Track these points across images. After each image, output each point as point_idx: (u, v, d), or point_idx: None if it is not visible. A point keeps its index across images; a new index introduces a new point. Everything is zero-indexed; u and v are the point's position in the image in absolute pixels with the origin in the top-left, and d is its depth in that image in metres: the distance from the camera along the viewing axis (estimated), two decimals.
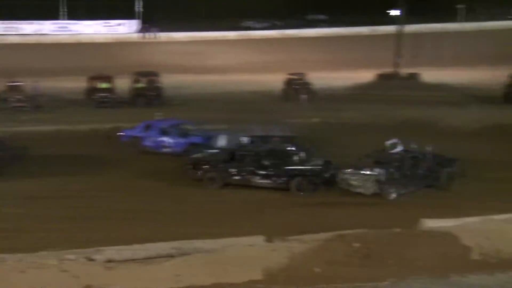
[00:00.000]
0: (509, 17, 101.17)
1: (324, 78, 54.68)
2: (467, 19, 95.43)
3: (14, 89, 45.87)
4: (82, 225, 22.29)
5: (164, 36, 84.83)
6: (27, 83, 46.43)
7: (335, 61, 68.51)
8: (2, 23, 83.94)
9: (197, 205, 25.21)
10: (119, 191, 27.11)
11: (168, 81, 50.50)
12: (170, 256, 16.78)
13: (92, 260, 16.31)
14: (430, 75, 59.12)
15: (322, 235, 18.26)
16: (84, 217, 23.26)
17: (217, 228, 21.17)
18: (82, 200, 25.44)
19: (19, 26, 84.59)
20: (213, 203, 25.38)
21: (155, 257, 16.81)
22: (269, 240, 18.26)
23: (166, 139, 33.62)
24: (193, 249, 17.26)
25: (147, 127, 34.31)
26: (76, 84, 49.40)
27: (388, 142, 30.70)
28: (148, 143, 33.75)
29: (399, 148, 29.39)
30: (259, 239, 18.26)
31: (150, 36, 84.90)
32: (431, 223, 18.70)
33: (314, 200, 25.30)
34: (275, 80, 53.46)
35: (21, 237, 20.91)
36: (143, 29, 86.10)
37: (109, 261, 16.23)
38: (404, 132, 32.55)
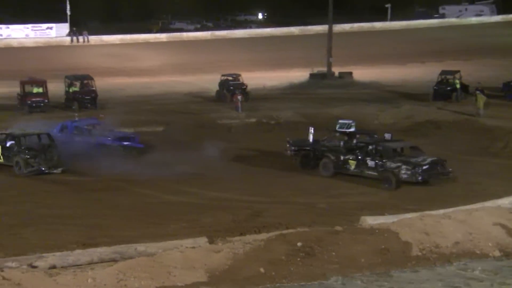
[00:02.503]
0: (434, 15, 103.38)
1: (257, 78, 54.93)
2: (394, 18, 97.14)
3: None
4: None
5: (94, 39, 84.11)
6: None
7: (267, 61, 68.85)
8: None
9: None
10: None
11: (101, 84, 50.11)
12: (113, 260, 16.70)
13: (34, 267, 16.13)
14: (361, 73, 59.87)
15: (264, 235, 18.37)
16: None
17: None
18: None
19: None
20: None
21: (98, 262, 16.72)
22: (211, 241, 18.30)
23: (78, 139, 33.98)
24: (136, 253, 17.21)
25: (63, 128, 34.87)
26: (7, 89, 48.65)
27: (342, 121, 31.57)
28: (63, 144, 33.28)
29: (352, 129, 30.53)
30: (201, 241, 18.29)
31: (80, 39, 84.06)
32: (371, 220, 19.00)
33: None
34: (207, 81, 53.55)
35: None
36: (73, 33, 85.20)
37: (52, 267, 16.07)
38: None
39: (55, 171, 30.63)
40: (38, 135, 32.78)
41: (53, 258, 16.74)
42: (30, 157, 30.76)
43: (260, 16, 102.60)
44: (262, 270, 15.63)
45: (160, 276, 15.38)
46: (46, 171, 30.53)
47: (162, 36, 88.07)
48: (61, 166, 30.81)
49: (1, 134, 32.93)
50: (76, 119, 37.01)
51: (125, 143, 33.87)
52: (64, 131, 34.74)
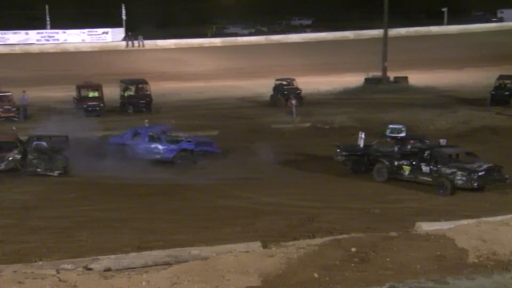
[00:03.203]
0: (492, 19, 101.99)
1: (311, 83, 54.80)
2: (450, 22, 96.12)
3: (2, 99, 45.71)
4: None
5: (149, 43, 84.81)
6: (15, 93, 46.24)
7: (321, 65, 68.65)
8: None
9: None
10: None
11: (155, 88, 50.47)
12: (167, 264, 16.78)
13: (89, 269, 16.29)
14: (417, 78, 59.33)
15: (318, 240, 18.27)
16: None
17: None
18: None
19: (5, 36, 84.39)
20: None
21: (152, 265, 16.81)
22: (265, 246, 18.27)
23: (156, 145, 33.53)
24: (190, 257, 17.27)
25: (135, 135, 34.23)
26: (64, 93, 49.28)
27: (393, 126, 31.29)
28: (137, 150, 33.56)
29: (403, 134, 30.22)
30: (255, 245, 18.27)
31: (135, 43, 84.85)
32: (426, 226, 18.79)
33: None
34: (261, 86, 53.58)
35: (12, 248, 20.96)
36: (128, 37, 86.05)
37: (107, 270, 16.21)
38: None
39: (50, 173, 30.95)
40: (50, 137, 33.42)
41: (108, 260, 16.89)
42: (34, 158, 31.26)
43: (313, 20, 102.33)
44: (316, 275, 15.55)
45: (213, 280, 15.39)
46: (41, 173, 30.94)
47: (217, 41, 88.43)
48: (59, 169, 31.14)
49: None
50: (147, 125, 36.43)
51: (206, 148, 33.54)
52: (137, 137, 34.17)
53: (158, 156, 33.32)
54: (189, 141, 33.67)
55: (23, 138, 33.95)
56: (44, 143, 32.96)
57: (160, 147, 33.48)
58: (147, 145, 33.65)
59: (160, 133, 34.19)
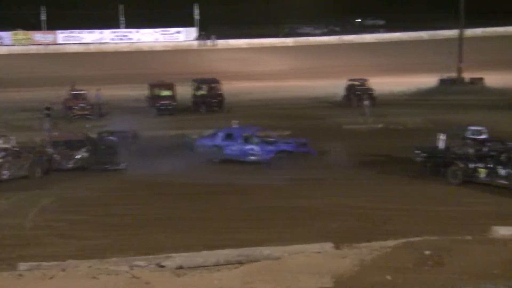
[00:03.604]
0: None
1: (384, 84, 54.30)
2: None
3: (77, 97, 46.46)
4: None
5: (222, 43, 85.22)
6: (90, 92, 46.94)
7: (394, 66, 68.00)
8: (63, 33, 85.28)
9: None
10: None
11: (227, 88, 50.64)
12: (239, 263, 16.77)
13: (162, 266, 16.40)
14: (494, 79, 58.24)
15: (391, 242, 18.09)
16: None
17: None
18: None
19: (80, 35, 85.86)
20: None
21: (224, 264, 16.83)
22: (337, 247, 18.12)
23: (252, 147, 33.15)
24: (262, 256, 17.24)
25: (228, 136, 33.80)
26: (137, 92, 49.82)
27: (473, 128, 30.76)
28: (230, 151, 33.24)
29: (484, 136, 29.67)
30: (327, 246, 18.15)
31: (208, 43, 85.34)
32: (503, 231, 18.38)
33: None
34: (333, 86, 53.30)
35: (82, 244, 21.26)
36: (201, 37, 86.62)
37: (179, 267, 16.29)
38: None
39: (117, 167, 31.63)
40: (120, 133, 34.65)
41: (180, 258, 16.99)
42: (103, 153, 32.17)
43: (387, 20, 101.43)
44: (389, 277, 15.37)
45: (285, 280, 15.35)
46: (110, 169, 31.57)
47: (289, 41, 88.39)
48: (124, 162, 31.82)
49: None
50: (235, 126, 36.00)
51: (303, 149, 32.94)
52: (229, 138, 33.56)
53: (253, 158, 32.81)
54: (288, 142, 33.25)
55: (93, 136, 34.50)
56: (114, 138, 33.43)
57: (256, 148, 32.90)
58: (241, 147, 33.12)
59: (254, 133, 33.70)
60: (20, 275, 15.87)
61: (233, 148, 33.19)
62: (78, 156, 31.82)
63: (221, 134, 33.89)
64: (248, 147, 33.06)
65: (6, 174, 29.61)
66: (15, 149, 30.99)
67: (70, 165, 31.62)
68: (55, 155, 31.48)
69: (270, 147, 32.75)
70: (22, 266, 17.29)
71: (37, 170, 30.49)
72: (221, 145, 33.40)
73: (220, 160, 33.05)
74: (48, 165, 31.11)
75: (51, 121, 40.61)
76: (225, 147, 33.29)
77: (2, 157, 29.79)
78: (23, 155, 30.54)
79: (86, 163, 31.82)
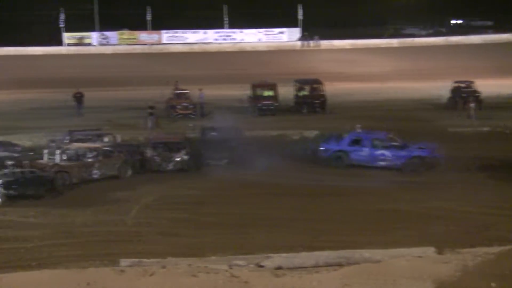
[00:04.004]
0: None
1: (491, 86, 52.96)
2: None
3: (180, 96, 46.98)
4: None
5: (325, 43, 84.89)
6: (193, 91, 47.39)
7: (502, 68, 66.21)
8: (168, 33, 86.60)
9: None
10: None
11: (330, 88, 50.31)
12: (339, 265, 16.62)
13: (261, 266, 16.38)
14: None
15: (496, 249, 17.62)
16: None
17: None
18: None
19: (184, 35, 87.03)
20: None
21: (323, 266, 16.71)
22: (440, 252, 17.75)
23: (382, 152, 32.37)
24: (362, 259, 17.04)
25: (356, 141, 32.97)
26: (239, 92, 50.06)
27: None
28: (357, 157, 32.55)
29: None
30: (429, 251, 17.81)
31: (311, 43, 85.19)
32: None
33: None
34: (438, 88, 52.30)
35: (182, 242, 21.45)
36: (304, 37, 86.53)
37: (278, 268, 16.25)
38: None
39: (218, 163, 32.21)
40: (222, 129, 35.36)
41: (279, 259, 16.99)
42: (204, 149, 32.90)
43: (495, 21, 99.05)
44: (493, 285, 14.94)
45: (385, 284, 15.13)
46: (212, 164, 32.14)
47: (393, 42, 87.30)
48: (226, 158, 32.38)
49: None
50: (359, 130, 34.83)
51: (436, 155, 32.09)
52: (357, 143, 32.73)
53: (383, 163, 32.14)
54: (421, 147, 32.41)
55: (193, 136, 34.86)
56: (217, 134, 33.68)
57: (387, 153, 32.26)
58: (371, 152, 32.44)
59: (385, 138, 32.95)
60: (122, 270, 16.11)
61: (362, 154, 32.46)
62: (178, 159, 32.09)
63: (347, 139, 33.16)
64: (379, 152, 32.33)
65: (96, 173, 30.17)
66: (106, 148, 31.53)
67: (170, 167, 31.92)
68: (155, 157, 31.83)
69: (402, 153, 32.03)
70: (124, 262, 17.58)
71: (128, 170, 30.94)
72: (348, 150, 32.69)
73: (346, 165, 32.34)
74: (139, 166, 31.53)
75: (154, 119, 41.28)
76: (352, 152, 32.59)
77: (93, 157, 30.34)
78: (114, 155, 31.04)
79: (186, 165, 32.08)
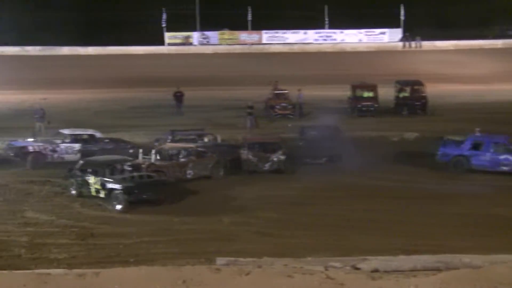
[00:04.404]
0: None
1: None
2: None
3: (279, 96, 47.05)
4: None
5: (427, 44, 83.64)
6: (292, 91, 47.37)
7: None
8: (268, 33, 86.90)
9: None
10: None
11: (432, 90, 49.50)
12: (437, 269, 16.30)
13: (357, 269, 16.20)
14: None
15: None
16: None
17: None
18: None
19: (284, 35, 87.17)
20: None
21: (420, 270, 16.42)
22: None
23: (506, 156, 31.33)
24: (461, 264, 16.66)
25: (477, 145, 32.03)
26: (338, 93, 49.81)
27: None
28: (478, 162, 31.73)
29: None
30: None
31: (413, 44, 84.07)
32: None
33: None
34: None
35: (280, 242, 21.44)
36: (406, 38, 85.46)
37: (375, 271, 16.03)
38: None
39: (318, 161, 32.26)
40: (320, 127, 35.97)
41: (376, 261, 16.76)
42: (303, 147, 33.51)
43: None
44: None
45: None
46: (310, 162, 32.17)
47: (498, 43, 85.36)
48: (326, 157, 32.27)
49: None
50: (478, 134, 33.53)
51: None
52: (478, 147, 31.81)
53: (506, 168, 31.26)
54: None
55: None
56: (317, 133, 33.59)
57: (511, 158, 31.41)
58: (494, 156, 31.53)
59: (507, 142, 31.98)
60: (218, 269, 16.17)
61: (483, 158, 31.60)
62: (275, 159, 32.02)
63: (468, 143, 32.22)
64: (502, 157, 31.42)
65: (190, 173, 30.35)
66: (199, 149, 31.70)
67: (266, 167, 31.87)
68: (251, 157, 31.86)
69: None
70: (220, 260, 17.64)
71: (220, 170, 31.02)
72: (468, 155, 31.87)
73: (466, 170, 31.58)
74: (235, 166, 31.53)
75: (253, 119, 41.45)
76: (472, 157, 31.74)
77: (186, 157, 30.59)
78: (207, 155, 31.21)
79: (283, 165, 32.00)
